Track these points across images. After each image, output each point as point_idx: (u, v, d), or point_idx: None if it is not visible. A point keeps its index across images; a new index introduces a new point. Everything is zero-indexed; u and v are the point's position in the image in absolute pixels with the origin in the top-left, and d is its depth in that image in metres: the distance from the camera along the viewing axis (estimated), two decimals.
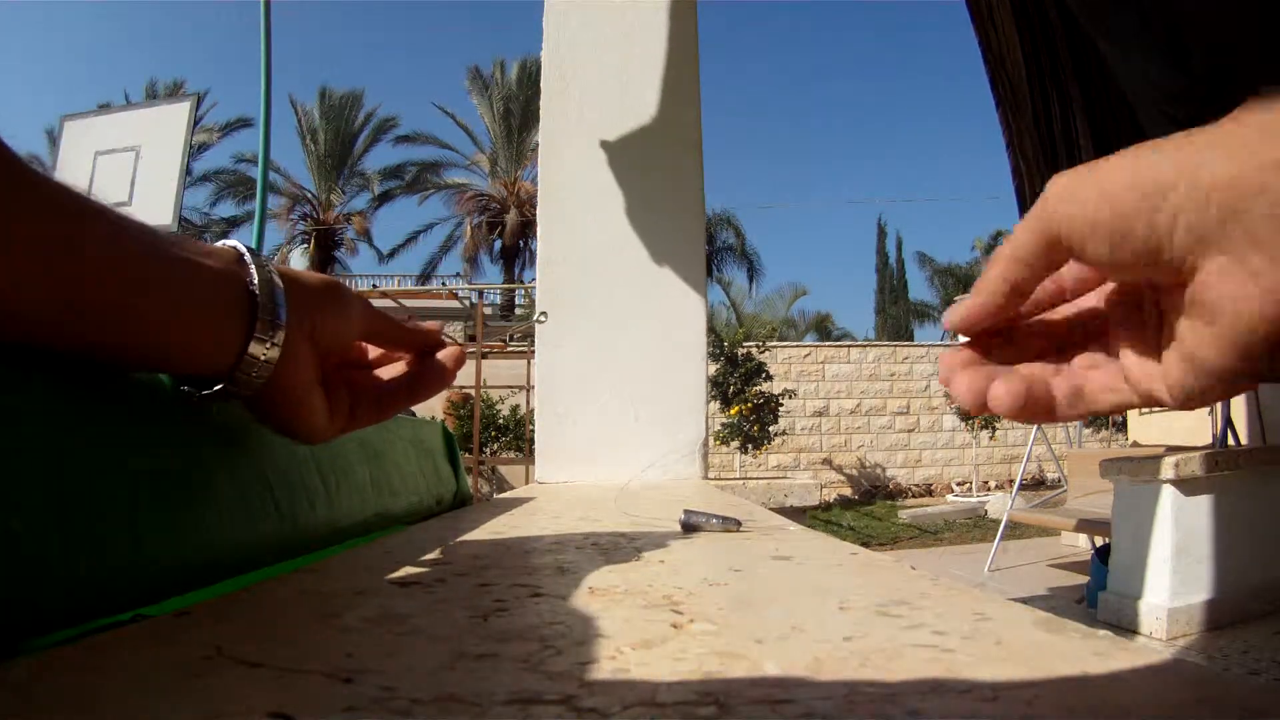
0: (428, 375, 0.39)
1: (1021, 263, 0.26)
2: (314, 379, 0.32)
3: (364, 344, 0.39)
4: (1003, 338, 0.29)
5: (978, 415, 0.29)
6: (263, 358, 0.29)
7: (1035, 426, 4.40)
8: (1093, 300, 0.29)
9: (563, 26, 1.29)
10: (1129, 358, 0.26)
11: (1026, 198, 1.92)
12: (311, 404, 0.32)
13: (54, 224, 0.23)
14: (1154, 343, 0.25)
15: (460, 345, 0.40)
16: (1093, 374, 0.27)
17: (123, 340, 0.26)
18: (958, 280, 20.09)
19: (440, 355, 0.39)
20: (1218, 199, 0.21)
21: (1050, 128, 1.80)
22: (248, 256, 0.29)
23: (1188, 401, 0.24)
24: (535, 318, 0.44)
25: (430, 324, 0.42)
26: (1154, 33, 1.11)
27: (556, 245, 1.24)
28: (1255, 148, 0.20)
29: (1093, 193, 0.23)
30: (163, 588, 0.29)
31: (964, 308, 0.28)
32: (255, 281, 0.29)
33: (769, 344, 8.22)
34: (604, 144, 1.25)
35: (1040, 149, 1.72)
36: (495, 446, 7.55)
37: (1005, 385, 0.26)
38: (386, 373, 0.40)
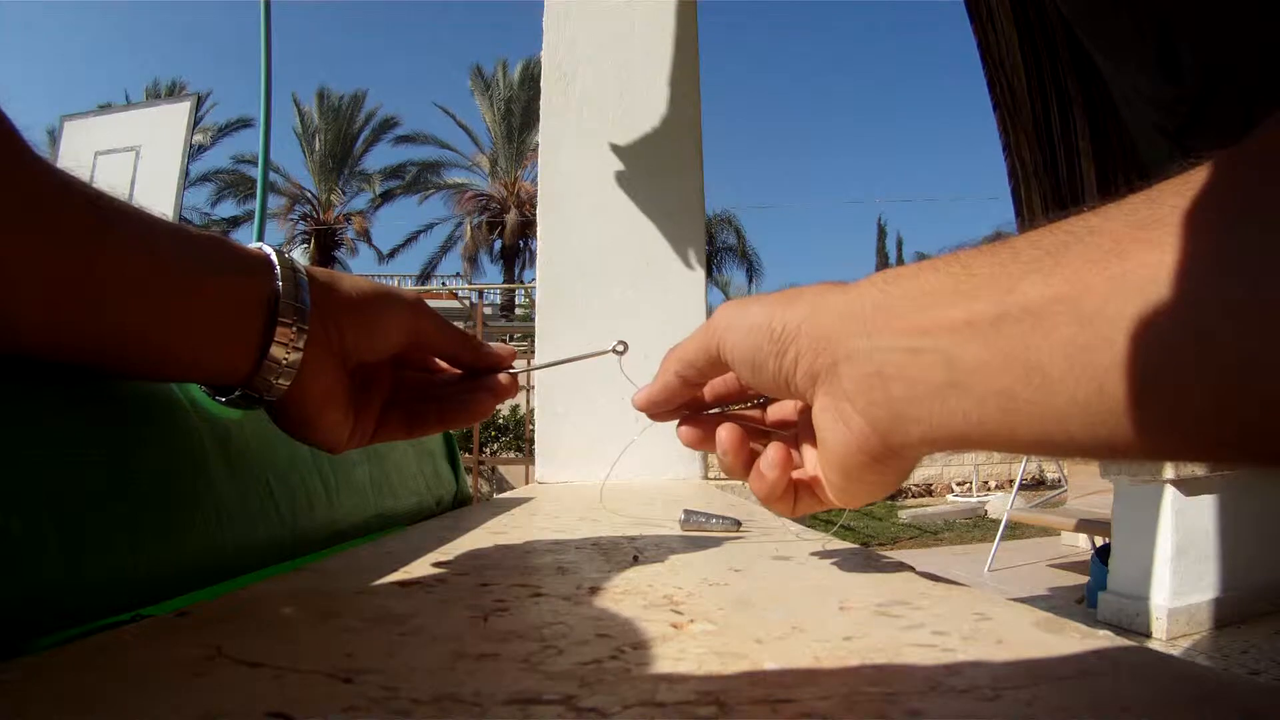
0: (461, 407, 0.36)
1: (689, 365, 0.32)
2: (331, 392, 0.31)
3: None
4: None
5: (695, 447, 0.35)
6: (280, 368, 0.28)
7: None
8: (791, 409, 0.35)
9: (563, 26, 1.28)
10: (808, 454, 0.32)
11: (1023, 201, 1.92)
12: (326, 417, 0.31)
13: (72, 230, 0.22)
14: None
15: (514, 377, 0.37)
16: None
17: (137, 355, 0.25)
18: None
19: (488, 383, 0.36)
20: (826, 354, 0.25)
21: (1049, 132, 1.80)
22: (276, 263, 0.28)
23: (845, 501, 0.30)
24: (614, 347, 0.38)
25: (502, 347, 0.37)
26: (1146, 37, 1.11)
27: (556, 245, 1.24)
28: (859, 321, 0.25)
29: (741, 328, 0.28)
30: (163, 588, 0.29)
31: (646, 392, 0.35)
32: (279, 293, 0.28)
33: None
34: (604, 144, 1.25)
35: (1038, 154, 1.72)
36: (495, 446, 7.55)
37: (725, 431, 0.32)
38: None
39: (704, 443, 0.35)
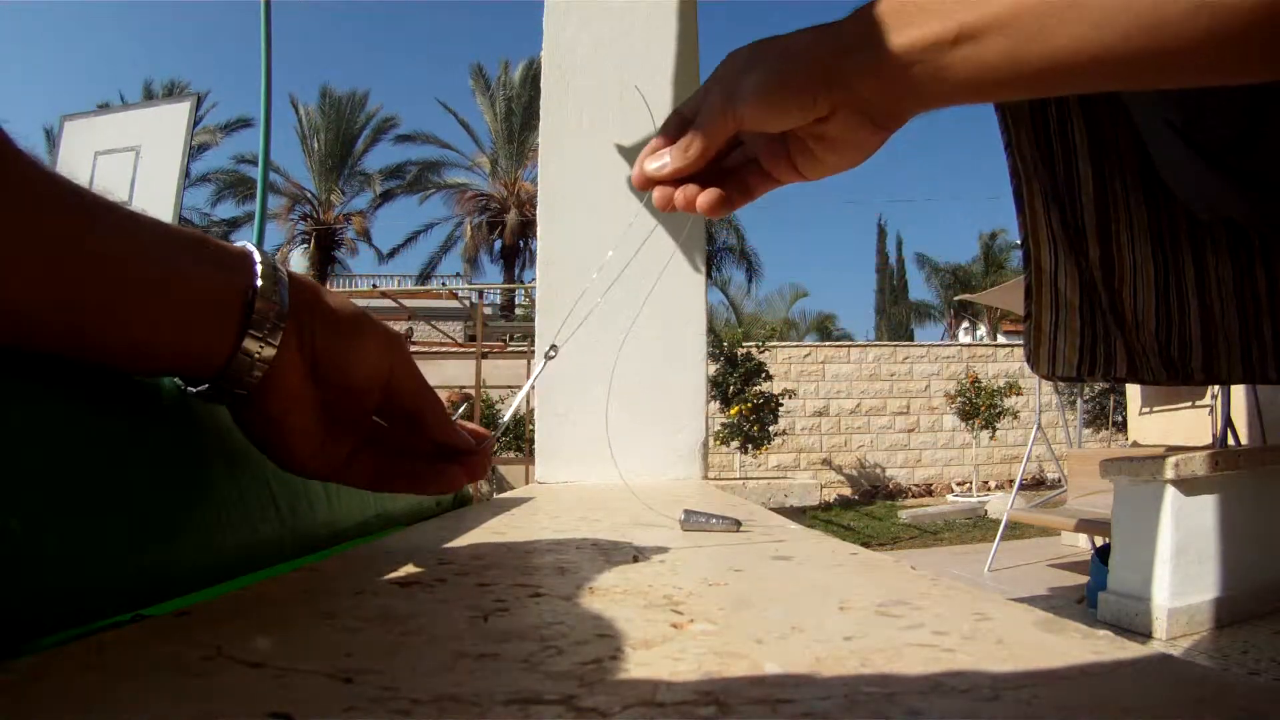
0: (433, 475, 0.36)
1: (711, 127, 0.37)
2: (299, 394, 0.30)
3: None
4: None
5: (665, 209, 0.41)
6: (254, 361, 0.28)
7: (1035, 426, 4.41)
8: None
9: (563, 26, 1.28)
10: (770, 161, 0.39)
11: (1024, 199, 1.91)
12: (291, 419, 0.31)
13: (56, 221, 0.22)
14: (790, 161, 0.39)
15: (484, 462, 0.38)
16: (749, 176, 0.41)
17: (115, 344, 0.26)
18: (958, 280, 20.11)
19: (459, 465, 0.36)
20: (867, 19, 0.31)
21: (1046, 127, 1.79)
22: (256, 259, 0.29)
23: (816, 165, 0.38)
24: (546, 352, 0.43)
25: (478, 431, 0.39)
26: None
27: (556, 245, 1.24)
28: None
29: (774, 51, 0.35)
30: (163, 588, 0.29)
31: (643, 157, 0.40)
32: (257, 288, 0.28)
33: (769, 344, 8.22)
34: (604, 144, 1.25)
35: (1035, 151, 1.71)
36: (495, 446, 7.54)
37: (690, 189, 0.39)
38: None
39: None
